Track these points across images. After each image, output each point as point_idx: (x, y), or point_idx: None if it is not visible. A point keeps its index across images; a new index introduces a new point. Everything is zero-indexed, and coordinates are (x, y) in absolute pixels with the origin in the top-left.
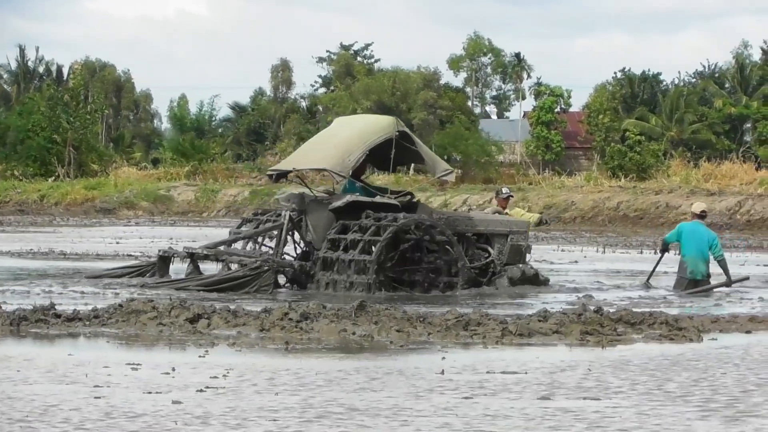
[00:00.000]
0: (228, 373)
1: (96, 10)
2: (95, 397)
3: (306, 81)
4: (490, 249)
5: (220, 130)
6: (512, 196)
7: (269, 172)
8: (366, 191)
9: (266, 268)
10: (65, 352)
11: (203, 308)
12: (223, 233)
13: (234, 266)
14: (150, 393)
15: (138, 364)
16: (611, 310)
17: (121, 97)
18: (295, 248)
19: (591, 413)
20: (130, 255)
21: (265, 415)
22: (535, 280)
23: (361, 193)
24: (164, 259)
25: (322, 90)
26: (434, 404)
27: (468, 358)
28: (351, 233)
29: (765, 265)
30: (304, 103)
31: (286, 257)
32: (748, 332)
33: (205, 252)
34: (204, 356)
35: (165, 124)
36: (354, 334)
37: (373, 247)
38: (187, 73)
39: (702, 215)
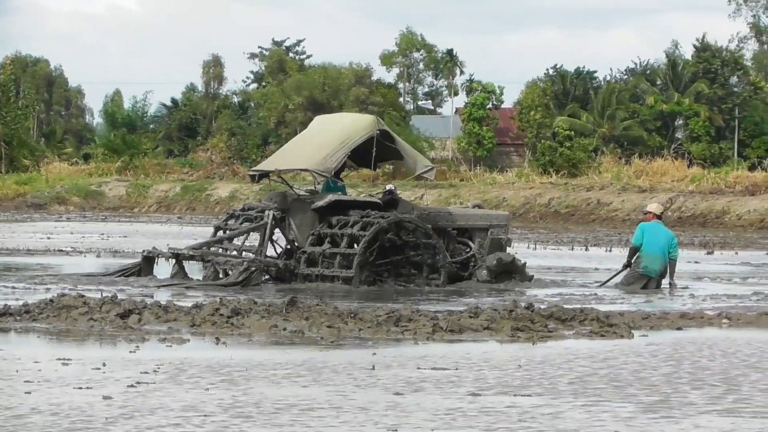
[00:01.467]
0: (158, 368)
1: (28, 5)
2: (26, 393)
3: (238, 77)
4: (470, 243)
5: (152, 126)
6: (395, 191)
7: (251, 173)
8: (345, 190)
9: (254, 269)
10: None
11: (134, 304)
12: (153, 229)
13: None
14: (81, 388)
15: (69, 360)
16: (542, 307)
17: (53, 93)
18: (275, 247)
19: (521, 409)
20: (62, 250)
21: (195, 410)
22: (513, 267)
23: (343, 192)
24: (148, 260)
25: (254, 86)
26: (365, 400)
27: (399, 354)
28: (336, 228)
29: (696, 262)
30: (235, 99)
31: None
32: (678, 329)
33: (190, 252)
34: (135, 352)
35: (97, 120)
36: (285, 329)
37: (356, 244)
38: (119, 69)
39: (660, 216)
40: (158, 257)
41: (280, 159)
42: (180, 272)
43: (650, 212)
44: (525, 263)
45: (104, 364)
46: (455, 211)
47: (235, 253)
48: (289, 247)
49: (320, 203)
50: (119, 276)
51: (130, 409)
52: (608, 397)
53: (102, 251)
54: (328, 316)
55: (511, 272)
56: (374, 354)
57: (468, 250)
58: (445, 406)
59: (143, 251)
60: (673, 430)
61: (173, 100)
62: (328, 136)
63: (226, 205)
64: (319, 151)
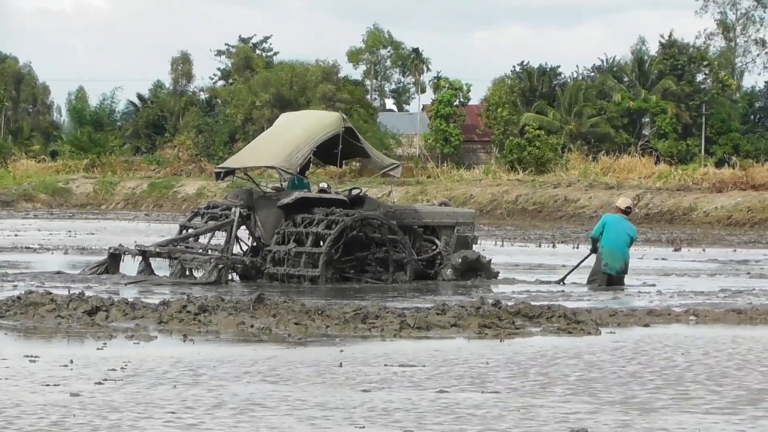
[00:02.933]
0: (126, 365)
1: None
2: None
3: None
4: (437, 241)
5: (119, 123)
6: (328, 187)
7: (216, 170)
8: (310, 188)
9: (221, 266)
10: None
11: (101, 301)
12: (121, 226)
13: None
14: (48, 386)
15: (36, 357)
16: (509, 304)
17: (21, 90)
18: (240, 245)
19: (488, 406)
20: (29, 248)
21: (163, 407)
22: (479, 264)
23: (309, 190)
24: (114, 257)
25: (221, 83)
26: (332, 397)
27: (366, 351)
28: (301, 227)
29: (663, 259)
30: (203, 96)
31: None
32: (646, 326)
33: (157, 249)
34: (102, 349)
35: (64, 117)
36: (252, 326)
37: (321, 242)
38: (87, 66)
39: (626, 211)
40: (125, 254)
41: (246, 156)
42: (147, 269)
43: (629, 207)
44: (490, 260)
45: (72, 362)
46: (421, 208)
47: (201, 250)
48: (255, 244)
49: (286, 200)
50: (92, 273)
51: (98, 406)
52: (575, 393)
53: (69, 248)
54: (295, 313)
55: (476, 270)
56: (342, 351)
57: (434, 247)
58: (413, 402)
59: (109, 248)
60: (639, 428)
61: (139, 97)
62: (293, 133)
63: (193, 202)
64: (285, 148)
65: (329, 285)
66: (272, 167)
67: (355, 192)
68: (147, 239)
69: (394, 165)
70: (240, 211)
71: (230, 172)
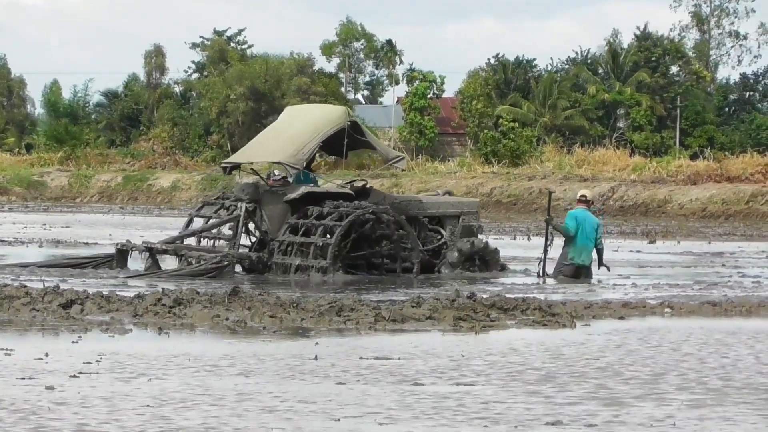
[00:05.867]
0: (101, 358)
1: None
2: None
3: (180, 66)
4: (442, 231)
5: (93, 116)
6: (285, 177)
7: (223, 165)
8: (316, 182)
9: (226, 263)
10: None
11: (76, 294)
12: (95, 219)
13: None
14: (23, 378)
15: (11, 350)
16: (485, 296)
17: None
18: (249, 238)
19: (463, 398)
20: (3, 240)
21: (137, 400)
22: (486, 251)
23: (315, 184)
24: (122, 252)
25: (196, 75)
26: (307, 390)
27: (341, 344)
28: (311, 219)
29: (638, 251)
30: (177, 89)
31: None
32: (621, 318)
33: (164, 247)
34: (77, 342)
35: (39, 110)
36: (227, 319)
37: (328, 235)
38: (60, 59)
39: (581, 199)
40: (132, 250)
41: (252, 151)
42: (153, 266)
43: (584, 196)
44: (497, 250)
45: (47, 354)
46: (426, 199)
47: (207, 246)
48: (261, 238)
49: (293, 195)
50: (91, 266)
51: (73, 400)
52: (549, 386)
53: (44, 241)
54: (270, 306)
55: (483, 257)
56: (317, 344)
57: (440, 237)
58: (388, 395)
59: (117, 244)
60: (605, 416)
61: (110, 91)
62: (299, 128)
63: (168, 195)
64: (290, 143)
65: (338, 277)
66: (278, 162)
67: (359, 184)
68: (122, 233)
69: (399, 157)
70: (246, 207)
71: (236, 166)
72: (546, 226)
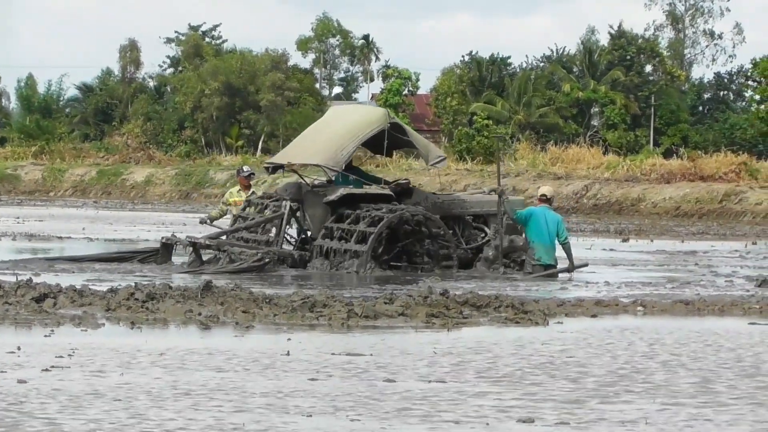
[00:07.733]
0: (73, 352)
1: None
2: None
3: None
4: (486, 229)
5: (67, 111)
6: (253, 174)
7: (265, 165)
8: (359, 182)
9: (268, 260)
10: None
11: (49, 288)
12: (69, 213)
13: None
14: None
15: None
16: (457, 293)
17: None
18: (290, 236)
19: (435, 395)
20: None
21: (110, 395)
22: (525, 250)
23: (355, 185)
24: (167, 247)
25: (171, 70)
26: (280, 385)
27: (313, 340)
28: (347, 223)
29: (611, 250)
30: (152, 84)
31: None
32: (594, 316)
33: (207, 242)
34: (50, 336)
35: (14, 104)
36: (200, 314)
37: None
38: (34, 53)
39: (542, 198)
40: (176, 244)
41: (293, 152)
42: (197, 261)
43: (544, 195)
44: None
45: (19, 348)
46: (469, 197)
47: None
48: (303, 236)
49: (331, 197)
50: (137, 260)
51: (45, 393)
52: (522, 384)
53: (17, 235)
54: (243, 301)
55: (518, 257)
56: (289, 339)
57: (483, 235)
58: (360, 391)
59: (162, 238)
60: (578, 414)
61: (85, 85)
62: (338, 130)
63: (141, 190)
64: (330, 145)
65: (376, 274)
66: (317, 165)
67: (402, 183)
68: (96, 227)
69: (441, 158)
70: (290, 205)
71: (279, 166)
72: (498, 198)
